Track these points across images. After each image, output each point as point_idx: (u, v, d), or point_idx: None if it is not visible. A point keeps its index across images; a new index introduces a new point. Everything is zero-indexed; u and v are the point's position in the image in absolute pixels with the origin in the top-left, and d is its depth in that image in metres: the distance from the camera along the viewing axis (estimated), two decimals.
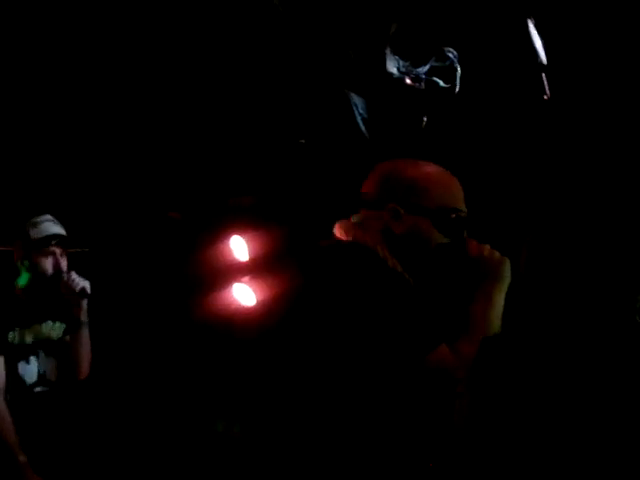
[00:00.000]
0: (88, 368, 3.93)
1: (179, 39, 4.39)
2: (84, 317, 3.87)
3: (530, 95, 4.22)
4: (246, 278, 4.76)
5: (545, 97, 4.20)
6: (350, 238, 2.39)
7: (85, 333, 3.89)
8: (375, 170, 2.45)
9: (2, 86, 4.34)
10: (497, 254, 2.38)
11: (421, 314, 2.25)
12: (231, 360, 4.74)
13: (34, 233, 3.80)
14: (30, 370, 3.79)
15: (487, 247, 2.39)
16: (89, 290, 3.84)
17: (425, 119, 4.30)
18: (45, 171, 4.59)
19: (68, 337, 3.90)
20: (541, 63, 4.16)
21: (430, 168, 2.44)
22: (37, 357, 3.81)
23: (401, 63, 4.24)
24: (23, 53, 4.30)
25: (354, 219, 2.44)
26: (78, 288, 3.81)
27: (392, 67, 4.25)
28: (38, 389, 3.80)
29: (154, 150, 4.65)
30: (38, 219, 3.85)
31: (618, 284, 3.90)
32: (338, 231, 2.43)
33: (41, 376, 3.82)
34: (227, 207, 4.78)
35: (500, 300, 2.34)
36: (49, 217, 3.87)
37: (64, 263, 3.84)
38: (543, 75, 4.17)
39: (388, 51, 4.24)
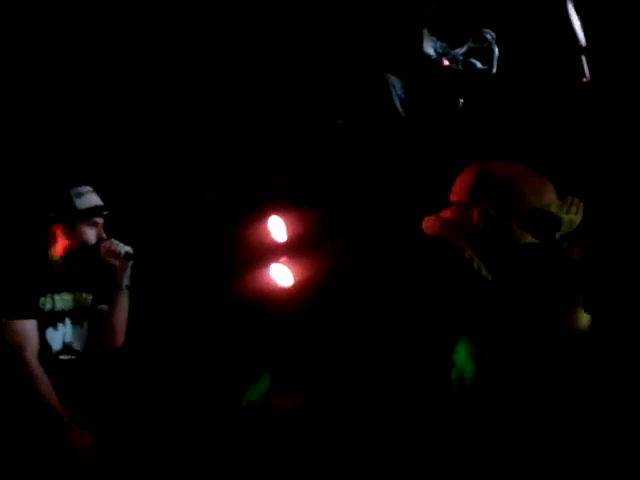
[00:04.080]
0: (123, 337, 3.92)
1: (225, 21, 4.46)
2: (126, 281, 3.85)
3: (569, 78, 4.16)
4: (283, 258, 4.77)
5: (584, 79, 4.14)
6: (437, 234, 2.40)
7: (125, 299, 3.87)
8: (466, 170, 2.46)
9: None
10: None
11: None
12: (265, 339, 4.76)
13: (80, 203, 3.80)
14: (57, 337, 3.80)
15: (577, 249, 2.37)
16: (132, 252, 3.83)
17: (462, 101, 4.28)
18: (86, 145, 4.65)
19: (103, 306, 3.90)
20: (580, 45, 4.10)
21: (522, 170, 2.44)
22: (64, 325, 3.83)
23: (438, 44, 4.23)
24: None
25: (443, 216, 2.45)
26: (123, 251, 3.81)
27: (429, 48, 4.23)
28: (63, 357, 3.81)
29: (191, 129, 4.69)
30: (81, 189, 3.85)
31: None
32: (426, 226, 2.44)
33: (66, 344, 3.83)
34: (265, 187, 4.80)
35: None
36: (90, 188, 3.88)
37: (104, 234, 3.89)
38: (582, 57, 4.12)
39: (425, 32, 4.22)
